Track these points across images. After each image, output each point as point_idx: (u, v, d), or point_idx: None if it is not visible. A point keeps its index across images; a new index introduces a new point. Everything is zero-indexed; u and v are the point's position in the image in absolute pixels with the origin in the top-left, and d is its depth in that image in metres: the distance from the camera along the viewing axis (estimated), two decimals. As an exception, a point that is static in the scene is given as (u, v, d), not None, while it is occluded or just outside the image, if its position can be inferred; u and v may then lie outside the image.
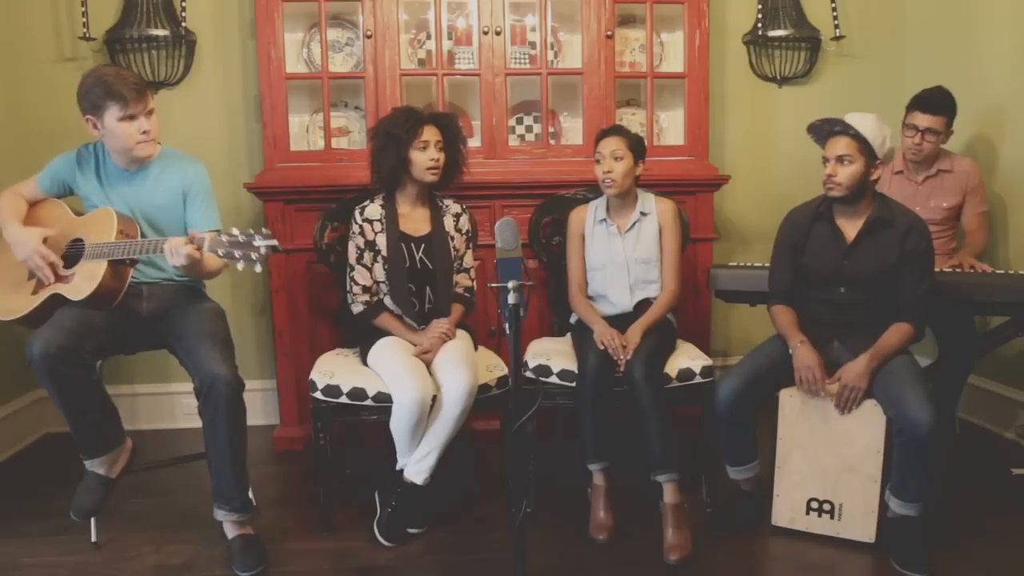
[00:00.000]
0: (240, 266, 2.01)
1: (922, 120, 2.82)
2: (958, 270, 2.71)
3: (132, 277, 2.26)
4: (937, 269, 2.58)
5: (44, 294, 2.24)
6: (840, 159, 2.30)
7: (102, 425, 2.24)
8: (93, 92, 2.20)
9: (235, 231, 2.03)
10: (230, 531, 2.27)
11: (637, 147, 2.60)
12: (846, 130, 2.32)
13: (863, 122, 2.31)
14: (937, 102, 2.81)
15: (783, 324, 2.42)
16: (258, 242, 2.00)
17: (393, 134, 2.49)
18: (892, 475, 2.24)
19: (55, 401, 2.14)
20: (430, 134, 2.51)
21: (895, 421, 2.19)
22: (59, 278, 2.25)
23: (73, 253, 2.28)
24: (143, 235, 2.29)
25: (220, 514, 2.25)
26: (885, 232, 2.33)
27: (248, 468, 2.27)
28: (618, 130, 2.63)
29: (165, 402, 3.43)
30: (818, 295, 2.42)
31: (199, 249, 2.08)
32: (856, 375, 2.26)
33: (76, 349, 2.10)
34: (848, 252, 2.36)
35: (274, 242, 2.01)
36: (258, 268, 2.01)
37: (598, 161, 2.59)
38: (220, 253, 2.02)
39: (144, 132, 2.23)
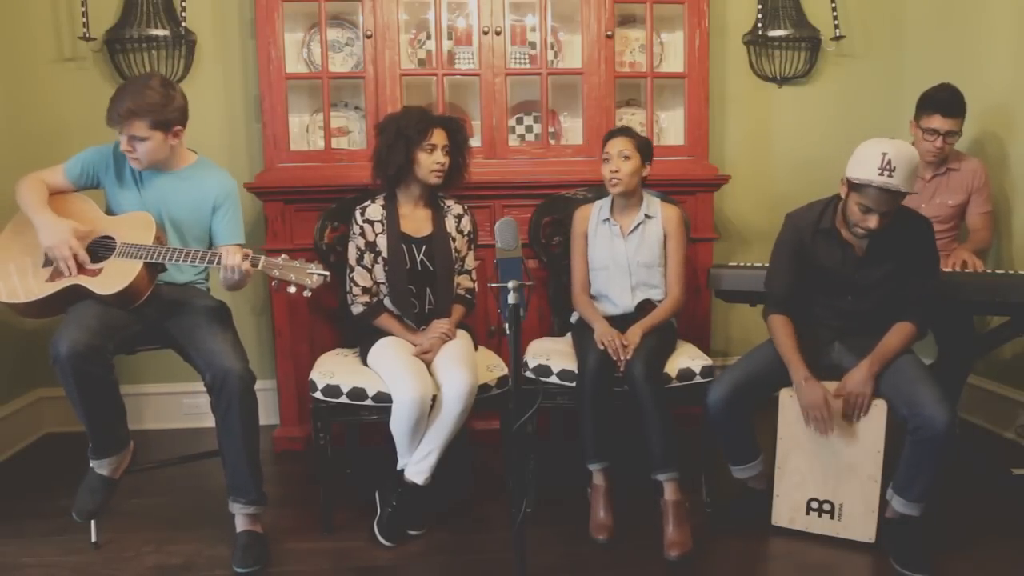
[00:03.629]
0: (292, 290, 2.14)
1: (943, 124, 2.82)
2: (956, 268, 2.71)
3: None
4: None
5: (63, 283, 2.23)
6: (884, 215, 2.20)
7: (116, 426, 2.25)
8: None
9: (285, 256, 2.18)
10: (240, 524, 2.28)
11: (645, 148, 2.61)
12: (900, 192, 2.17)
13: (904, 157, 2.14)
14: (956, 104, 2.82)
15: (784, 345, 2.35)
16: (312, 270, 2.14)
17: (403, 133, 2.49)
18: (898, 473, 2.23)
19: (75, 402, 2.13)
20: (439, 137, 2.52)
21: (910, 420, 2.17)
22: (83, 271, 2.24)
23: (98, 249, 2.28)
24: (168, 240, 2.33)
25: (235, 507, 2.26)
26: (893, 238, 2.30)
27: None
28: (626, 131, 2.63)
29: (165, 402, 3.43)
30: (823, 301, 2.41)
31: (254, 267, 2.15)
32: (859, 382, 2.25)
33: (101, 348, 2.11)
34: (860, 264, 2.33)
35: (327, 273, 2.16)
36: (307, 293, 2.15)
37: (605, 160, 2.59)
38: (275, 274, 2.14)
39: (126, 149, 2.28)
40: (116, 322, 2.19)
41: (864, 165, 2.17)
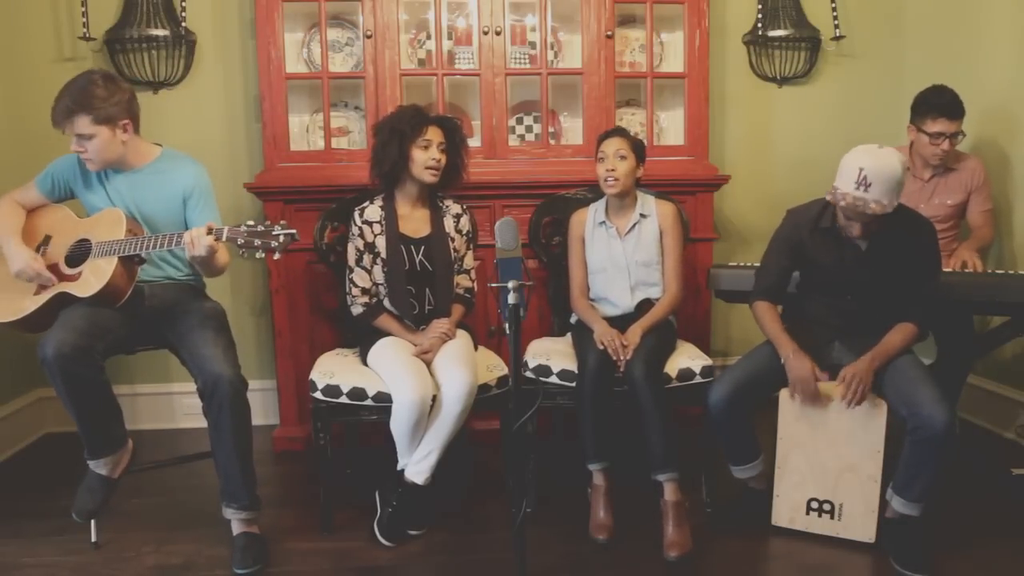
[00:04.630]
0: (259, 255, 2.10)
1: (949, 127, 2.82)
2: (957, 268, 2.71)
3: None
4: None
5: (49, 294, 2.24)
6: (866, 225, 2.21)
7: (109, 426, 2.25)
8: None
9: (251, 222, 2.12)
10: (236, 528, 2.28)
11: (639, 149, 2.62)
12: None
13: (883, 172, 2.11)
14: (958, 105, 2.82)
15: (770, 328, 2.39)
16: (277, 231, 2.10)
17: (397, 129, 2.49)
18: (898, 473, 2.23)
19: (65, 402, 2.13)
20: (434, 135, 2.51)
21: (910, 420, 2.17)
22: (64, 278, 2.25)
23: (79, 253, 2.28)
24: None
25: (228, 512, 2.27)
26: (894, 239, 2.29)
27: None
28: (621, 131, 2.65)
29: (165, 402, 3.43)
30: (822, 299, 2.41)
31: (218, 239, 2.12)
32: (860, 370, 2.24)
33: (88, 349, 2.10)
34: (860, 264, 2.33)
35: (292, 230, 2.12)
36: (276, 256, 2.12)
37: (601, 160, 2.60)
38: (240, 242, 2.10)
39: (76, 150, 2.25)
40: (107, 323, 2.20)
41: (843, 176, 2.17)
